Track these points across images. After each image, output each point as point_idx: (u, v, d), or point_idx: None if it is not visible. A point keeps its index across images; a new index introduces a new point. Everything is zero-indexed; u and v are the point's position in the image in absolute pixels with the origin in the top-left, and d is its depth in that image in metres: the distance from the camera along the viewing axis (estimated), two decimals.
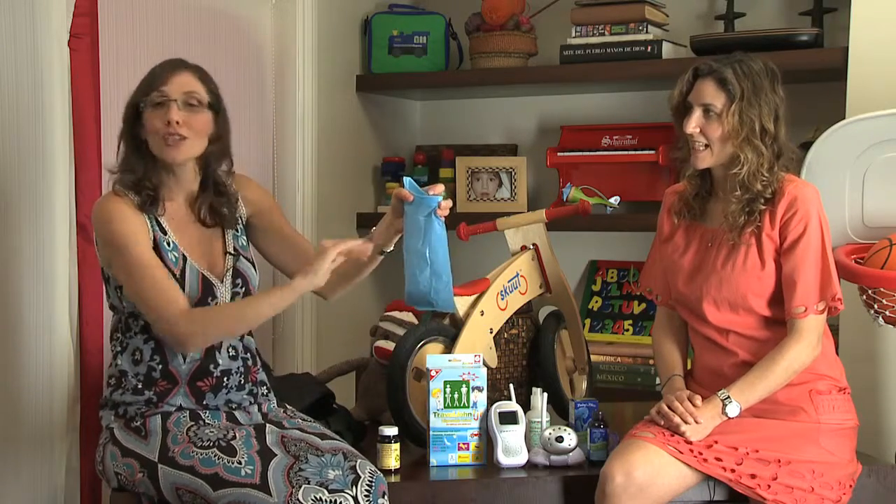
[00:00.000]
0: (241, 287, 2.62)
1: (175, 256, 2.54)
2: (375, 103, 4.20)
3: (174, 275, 2.51)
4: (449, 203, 2.58)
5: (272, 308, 2.52)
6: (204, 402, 2.56)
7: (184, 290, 2.51)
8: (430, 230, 2.55)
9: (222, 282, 2.59)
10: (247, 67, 3.68)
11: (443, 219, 2.56)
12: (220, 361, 2.57)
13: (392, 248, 2.67)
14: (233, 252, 2.64)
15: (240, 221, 2.69)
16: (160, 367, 2.53)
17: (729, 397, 2.62)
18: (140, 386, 2.54)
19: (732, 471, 2.57)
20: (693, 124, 2.68)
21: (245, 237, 2.69)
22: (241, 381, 2.61)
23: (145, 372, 2.53)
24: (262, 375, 2.69)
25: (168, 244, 2.54)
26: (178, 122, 2.48)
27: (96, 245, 2.57)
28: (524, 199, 4.07)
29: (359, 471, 2.43)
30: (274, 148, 3.80)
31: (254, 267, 2.67)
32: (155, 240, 2.53)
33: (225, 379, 2.58)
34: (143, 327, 2.53)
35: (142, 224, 2.52)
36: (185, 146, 2.51)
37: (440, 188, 2.58)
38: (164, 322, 2.46)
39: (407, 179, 2.58)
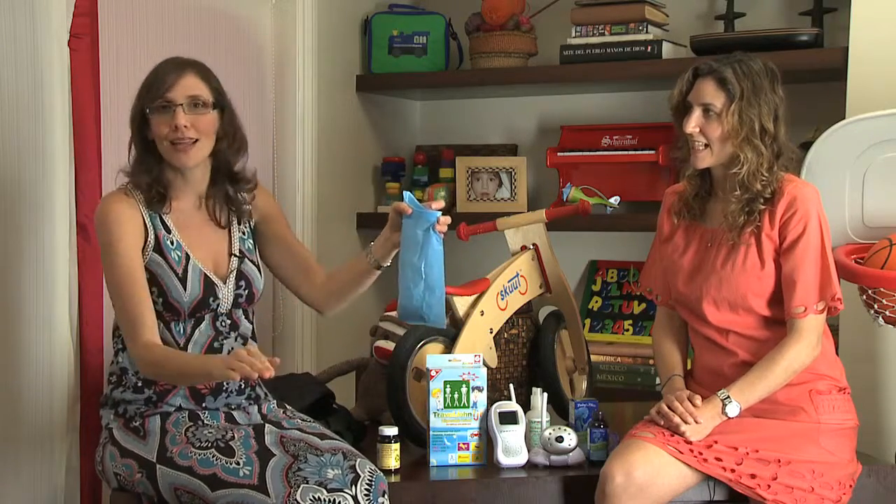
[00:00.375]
0: (245, 289, 2.62)
1: (178, 255, 2.54)
2: (375, 103, 4.20)
3: (176, 274, 2.52)
4: (448, 220, 2.60)
5: (205, 379, 2.48)
6: (203, 405, 2.56)
7: (185, 289, 2.52)
8: (428, 244, 2.57)
9: (225, 283, 2.60)
10: (247, 67, 3.68)
11: (441, 235, 2.58)
12: None
13: (389, 263, 2.70)
14: (237, 254, 2.64)
15: (248, 224, 2.69)
16: None
17: (729, 397, 2.62)
18: (140, 384, 2.54)
19: (732, 471, 2.57)
20: (693, 124, 2.68)
21: (252, 240, 2.70)
22: (241, 385, 2.61)
23: None
24: (261, 383, 2.70)
25: (171, 243, 2.55)
26: (185, 126, 2.49)
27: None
28: (524, 199, 4.07)
29: (358, 470, 2.43)
30: (274, 148, 3.80)
31: (259, 270, 2.67)
32: (158, 239, 2.53)
33: (225, 383, 2.58)
34: None
35: (137, 228, 2.52)
36: (194, 149, 2.53)
37: (440, 203, 2.60)
38: (127, 346, 2.50)
39: (406, 193, 2.61)
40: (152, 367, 2.46)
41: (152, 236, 2.54)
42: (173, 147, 2.52)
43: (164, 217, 2.56)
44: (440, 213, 2.59)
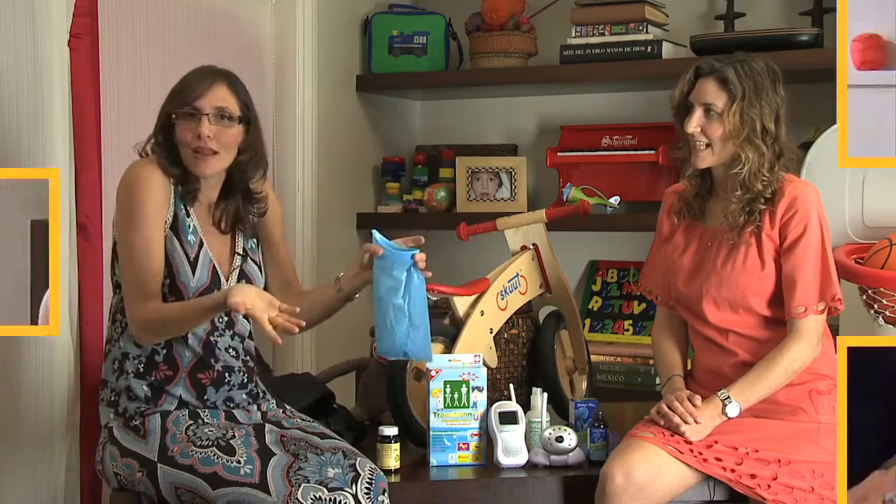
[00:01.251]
0: None
1: (193, 240, 2.55)
2: (375, 103, 4.20)
3: (188, 257, 2.52)
4: (423, 256, 2.58)
5: (213, 308, 2.46)
6: (205, 397, 2.56)
7: (194, 274, 2.52)
8: (410, 283, 2.56)
9: (227, 281, 2.60)
10: (247, 67, 3.68)
11: (421, 271, 2.57)
12: (221, 357, 2.58)
13: (357, 297, 2.70)
14: (241, 253, 2.64)
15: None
16: (164, 351, 2.53)
17: (729, 397, 2.62)
18: (142, 369, 2.53)
19: (732, 471, 2.57)
20: (694, 124, 2.68)
21: (256, 239, 2.70)
22: (243, 379, 2.61)
23: (148, 354, 2.53)
24: (260, 381, 2.70)
25: (189, 226, 2.54)
26: (208, 137, 2.49)
27: (116, 205, 2.56)
28: (524, 199, 4.07)
29: (359, 469, 2.43)
30: (274, 148, 3.80)
31: (260, 270, 2.68)
32: (177, 217, 2.53)
33: (227, 374, 2.58)
34: None
35: (164, 199, 2.52)
36: (214, 161, 2.53)
37: (416, 241, 2.59)
38: (128, 313, 2.50)
39: (375, 233, 2.59)
40: (155, 324, 2.46)
41: (171, 214, 2.53)
42: (193, 154, 2.52)
43: (186, 204, 2.56)
44: (416, 250, 2.59)
